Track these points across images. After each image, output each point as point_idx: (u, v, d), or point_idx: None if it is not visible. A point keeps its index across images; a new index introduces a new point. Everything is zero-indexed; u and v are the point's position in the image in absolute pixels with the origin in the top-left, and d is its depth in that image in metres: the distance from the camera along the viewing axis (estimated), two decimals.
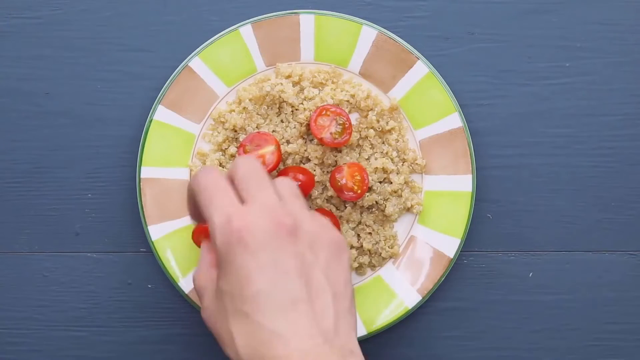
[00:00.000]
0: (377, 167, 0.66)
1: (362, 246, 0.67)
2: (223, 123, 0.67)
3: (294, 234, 0.50)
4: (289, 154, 0.66)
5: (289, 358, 0.47)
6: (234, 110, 0.67)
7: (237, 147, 0.66)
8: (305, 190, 0.65)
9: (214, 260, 0.53)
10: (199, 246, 0.62)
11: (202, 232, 0.62)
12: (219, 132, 0.67)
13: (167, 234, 0.66)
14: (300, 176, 0.65)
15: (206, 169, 0.52)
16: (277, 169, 0.65)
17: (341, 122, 0.65)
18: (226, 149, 0.67)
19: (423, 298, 0.66)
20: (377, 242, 0.67)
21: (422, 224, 0.67)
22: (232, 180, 0.52)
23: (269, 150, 0.64)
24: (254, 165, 0.53)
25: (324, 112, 0.65)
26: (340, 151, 0.67)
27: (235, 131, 0.67)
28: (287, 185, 0.53)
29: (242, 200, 0.51)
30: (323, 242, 0.51)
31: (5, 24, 0.68)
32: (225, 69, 0.67)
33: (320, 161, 0.66)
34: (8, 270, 0.68)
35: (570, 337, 0.68)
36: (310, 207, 0.64)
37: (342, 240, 0.53)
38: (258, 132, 0.65)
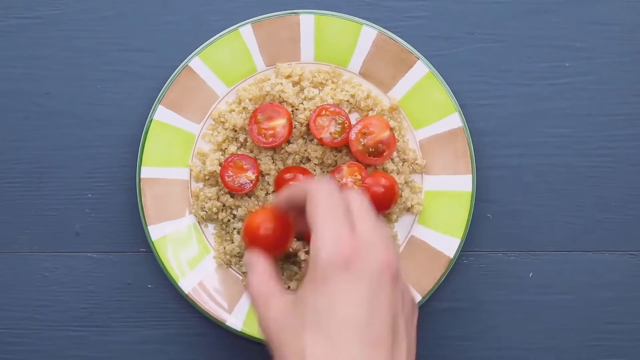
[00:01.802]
0: (377, 167, 0.66)
1: None
2: (223, 123, 0.67)
3: (395, 280, 0.51)
4: (289, 154, 0.66)
5: None
6: (233, 110, 0.67)
7: (249, 119, 0.65)
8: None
9: (274, 272, 0.54)
10: (248, 244, 0.60)
11: (251, 232, 0.60)
12: (218, 132, 0.67)
13: (167, 234, 0.66)
14: (300, 176, 0.65)
15: (332, 186, 0.53)
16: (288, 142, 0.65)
17: (340, 121, 0.65)
18: (226, 148, 0.67)
19: (423, 298, 0.66)
20: None
21: (422, 224, 0.67)
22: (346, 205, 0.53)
23: (280, 123, 0.64)
24: (368, 201, 0.53)
25: (323, 112, 0.65)
26: (340, 151, 0.67)
27: (235, 131, 0.67)
28: (387, 230, 0.55)
29: (352, 228, 0.51)
30: (410, 298, 0.53)
31: (5, 24, 0.68)
32: (225, 69, 0.67)
33: (320, 161, 0.66)
34: (8, 270, 0.68)
35: (570, 337, 0.68)
36: None
37: (415, 301, 0.55)
38: (270, 103, 0.65)
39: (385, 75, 0.67)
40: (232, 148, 0.66)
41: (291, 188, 0.56)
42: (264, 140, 0.65)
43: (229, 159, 0.65)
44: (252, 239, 0.62)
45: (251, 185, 0.65)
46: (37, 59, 0.68)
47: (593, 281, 0.68)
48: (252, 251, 0.56)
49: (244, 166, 0.65)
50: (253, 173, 0.65)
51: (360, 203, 0.53)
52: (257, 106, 0.66)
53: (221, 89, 0.67)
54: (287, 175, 0.65)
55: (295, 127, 0.66)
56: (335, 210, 0.51)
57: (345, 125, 0.65)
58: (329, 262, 0.49)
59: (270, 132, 0.65)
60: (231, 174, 0.65)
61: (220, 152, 0.67)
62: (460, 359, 0.68)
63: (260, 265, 0.55)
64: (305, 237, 0.62)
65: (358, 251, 0.50)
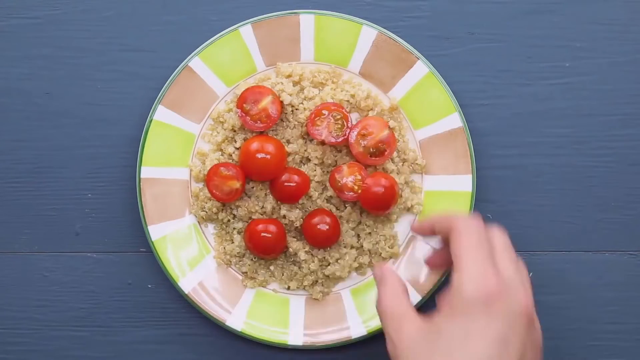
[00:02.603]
0: (377, 167, 0.66)
1: (362, 246, 0.67)
2: (222, 123, 0.67)
3: (530, 324, 0.52)
4: (289, 154, 0.66)
5: None
6: (231, 110, 0.67)
7: (238, 109, 0.65)
8: (300, 192, 0.65)
9: (406, 291, 0.56)
10: (251, 249, 0.65)
11: (253, 237, 0.65)
12: (218, 132, 0.67)
13: (167, 234, 0.66)
14: (295, 177, 0.65)
15: (479, 222, 0.55)
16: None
17: (338, 117, 0.65)
18: (225, 148, 0.67)
19: (423, 298, 0.66)
20: (377, 242, 0.67)
21: None
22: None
23: (267, 101, 0.64)
24: (509, 239, 0.56)
25: (320, 114, 0.65)
26: (340, 151, 0.67)
27: (235, 131, 0.67)
28: (526, 272, 0.56)
29: (496, 268, 0.53)
30: (539, 344, 0.54)
31: (5, 24, 0.68)
32: (225, 69, 0.67)
33: (320, 161, 0.66)
34: (8, 270, 0.68)
35: (570, 337, 0.68)
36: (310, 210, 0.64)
37: (541, 346, 0.55)
38: (249, 88, 0.65)
39: (385, 75, 0.67)
40: (231, 148, 0.66)
41: (438, 218, 0.58)
42: (259, 125, 0.65)
43: (213, 169, 0.65)
44: (254, 244, 0.65)
45: (237, 193, 0.65)
46: (37, 59, 0.68)
47: (593, 281, 0.68)
48: (383, 266, 0.59)
49: (229, 174, 0.65)
50: (238, 181, 0.65)
51: (504, 243, 0.55)
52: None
53: (221, 89, 0.67)
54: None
55: (295, 127, 0.66)
56: (481, 248, 0.53)
57: (344, 123, 0.65)
58: (473, 297, 0.51)
59: (263, 114, 0.65)
60: (217, 183, 0.65)
61: (220, 152, 0.67)
62: None
63: (393, 281, 0.56)
64: (428, 262, 0.64)
65: (500, 291, 0.51)
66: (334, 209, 0.66)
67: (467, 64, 0.68)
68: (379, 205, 0.64)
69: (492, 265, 0.53)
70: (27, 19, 0.68)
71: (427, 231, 0.60)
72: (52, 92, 0.68)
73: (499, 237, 0.56)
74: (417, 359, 0.52)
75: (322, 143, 0.66)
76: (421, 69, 0.66)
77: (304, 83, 0.67)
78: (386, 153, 0.65)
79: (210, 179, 0.65)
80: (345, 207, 0.66)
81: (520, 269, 0.55)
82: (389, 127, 0.66)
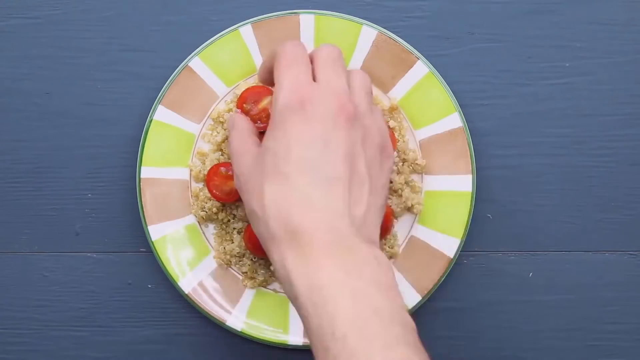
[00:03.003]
0: None
1: None
2: (222, 123, 0.67)
3: (351, 121, 0.52)
4: None
5: (315, 227, 0.49)
6: (232, 110, 0.67)
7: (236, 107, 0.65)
8: None
9: (253, 129, 0.56)
10: (251, 249, 0.65)
11: (253, 236, 0.64)
12: (218, 132, 0.67)
13: (167, 234, 0.66)
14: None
15: (296, 42, 0.54)
16: None
17: None
18: (225, 148, 0.67)
19: (423, 298, 0.66)
20: None
21: (422, 224, 0.67)
22: (311, 59, 0.54)
23: (268, 101, 0.64)
24: (336, 52, 0.54)
25: None
26: None
27: None
28: (361, 78, 0.55)
29: (314, 79, 0.53)
30: (374, 140, 0.53)
31: (5, 24, 0.68)
32: (225, 69, 0.67)
33: None
34: (8, 270, 0.68)
35: (570, 337, 0.68)
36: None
37: (391, 148, 0.55)
38: (249, 88, 0.65)
39: (385, 75, 0.67)
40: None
41: (265, 58, 0.57)
42: (260, 125, 0.65)
43: (213, 169, 0.65)
44: (254, 244, 0.65)
45: (237, 193, 0.65)
46: (37, 59, 0.68)
47: (593, 281, 0.68)
48: (235, 114, 0.59)
49: (229, 174, 0.65)
50: None
51: (326, 55, 0.54)
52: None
53: (221, 89, 0.67)
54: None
55: None
56: (296, 63, 0.53)
57: None
58: (285, 106, 0.51)
59: (263, 114, 0.65)
60: (217, 183, 0.65)
61: (220, 152, 0.67)
62: (460, 359, 0.68)
63: (242, 125, 0.57)
64: (259, 75, 0.61)
65: (314, 96, 0.51)
66: None
67: (467, 64, 0.68)
68: None
69: (306, 75, 0.52)
70: (27, 19, 0.68)
71: (269, 75, 0.57)
72: (52, 92, 0.68)
73: (321, 50, 0.54)
74: (250, 184, 0.52)
75: None
76: (421, 69, 0.66)
77: None
78: None
79: (210, 179, 0.65)
80: None
81: (355, 78, 0.54)
82: (389, 127, 0.66)
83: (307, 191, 0.50)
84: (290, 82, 0.52)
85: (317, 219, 0.49)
